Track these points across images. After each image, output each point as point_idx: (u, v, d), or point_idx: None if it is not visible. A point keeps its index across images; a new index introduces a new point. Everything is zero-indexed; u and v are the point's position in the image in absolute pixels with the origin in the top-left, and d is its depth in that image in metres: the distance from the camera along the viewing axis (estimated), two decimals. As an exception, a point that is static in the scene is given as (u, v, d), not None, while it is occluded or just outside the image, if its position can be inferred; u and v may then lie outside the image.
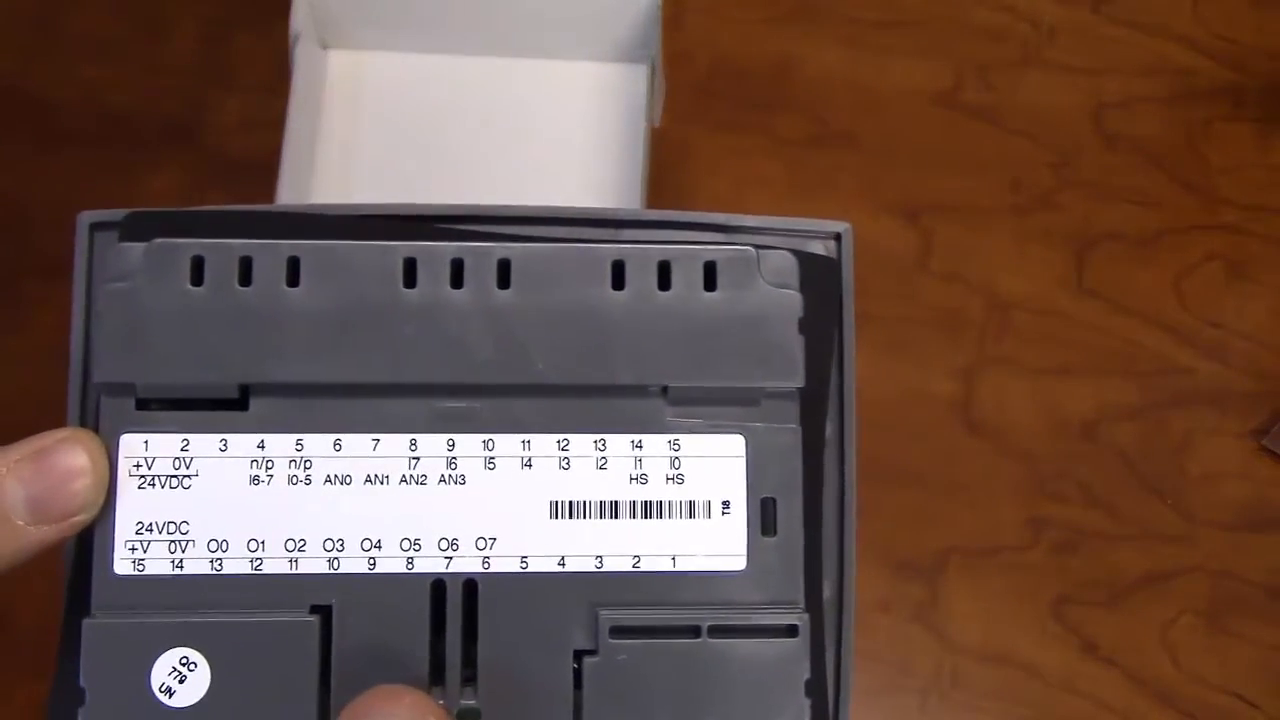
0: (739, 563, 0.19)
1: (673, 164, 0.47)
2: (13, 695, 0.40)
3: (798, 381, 0.19)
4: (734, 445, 0.19)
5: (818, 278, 0.20)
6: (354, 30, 0.43)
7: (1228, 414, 0.43)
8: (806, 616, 0.19)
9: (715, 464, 0.19)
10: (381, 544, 0.18)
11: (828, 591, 0.21)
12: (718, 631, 0.18)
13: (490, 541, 0.18)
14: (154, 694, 0.18)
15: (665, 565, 0.18)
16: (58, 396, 0.45)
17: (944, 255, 0.46)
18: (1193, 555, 0.41)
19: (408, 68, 0.43)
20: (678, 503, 0.19)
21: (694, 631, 0.18)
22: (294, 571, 0.18)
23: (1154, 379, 0.44)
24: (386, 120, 0.43)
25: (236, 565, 0.18)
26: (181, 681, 0.18)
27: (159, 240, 0.18)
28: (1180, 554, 0.41)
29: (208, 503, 0.18)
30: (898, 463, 0.42)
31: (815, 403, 0.20)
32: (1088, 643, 0.40)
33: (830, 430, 0.21)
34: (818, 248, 0.21)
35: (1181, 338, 0.44)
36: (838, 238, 0.21)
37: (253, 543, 0.18)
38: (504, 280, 0.18)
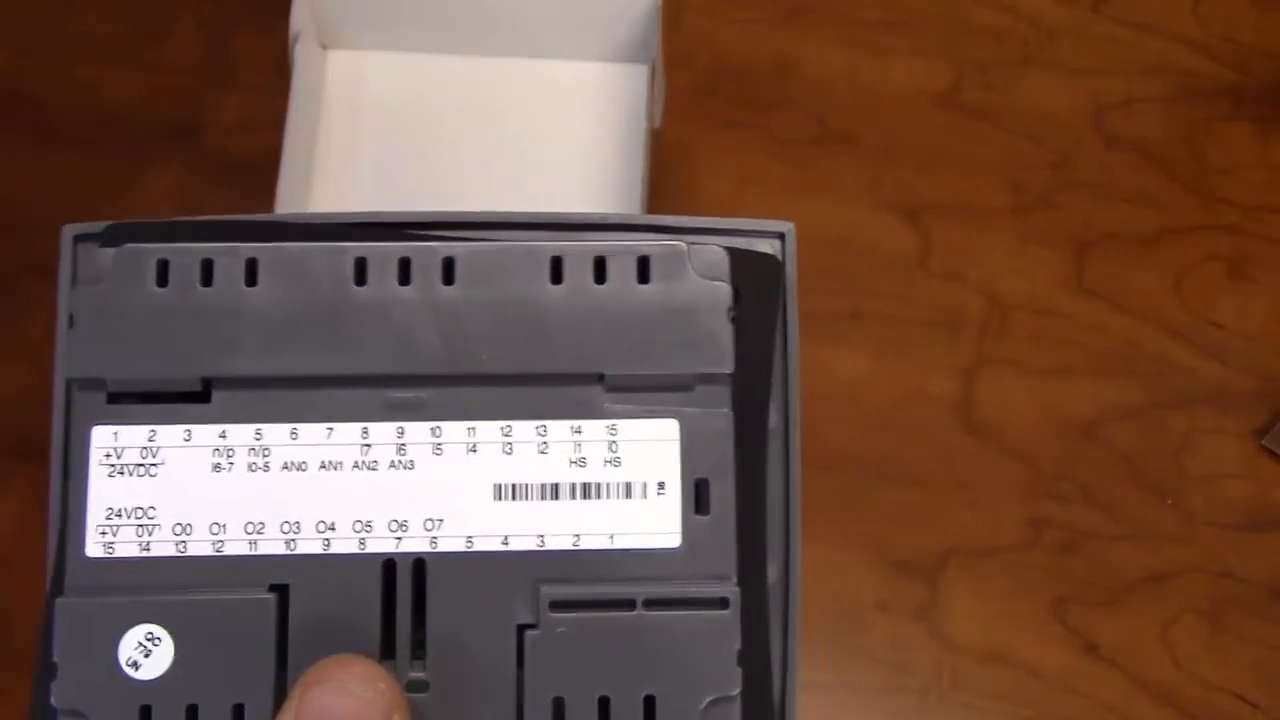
0: (674, 540, 0.20)
1: (673, 164, 0.47)
2: (13, 695, 0.40)
3: (726, 367, 0.20)
4: (668, 429, 0.20)
5: (761, 275, 0.21)
6: (354, 30, 0.43)
7: (1228, 414, 0.43)
8: (738, 590, 0.20)
9: (651, 447, 0.20)
10: (335, 526, 0.19)
11: (773, 574, 0.21)
12: (652, 604, 0.19)
13: (437, 523, 0.19)
14: (121, 668, 0.19)
15: (604, 543, 0.19)
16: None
17: (944, 255, 0.46)
18: (1193, 555, 0.41)
19: (408, 68, 0.43)
20: (615, 484, 0.20)
21: (629, 605, 0.19)
22: (253, 553, 0.19)
23: (1154, 379, 0.44)
24: (386, 120, 0.43)
25: (199, 548, 0.19)
26: (147, 656, 0.19)
27: (128, 245, 0.20)
28: (1180, 554, 0.41)
29: (173, 489, 0.19)
30: (898, 463, 0.42)
31: (757, 392, 0.21)
32: (1088, 643, 0.40)
33: (775, 420, 0.21)
34: (764, 246, 0.22)
35: (1181, 338, 0.44)
36: (781, 236, 0.22)
37: (215, 526, 0.19)
38: (449, 277, 0.20)
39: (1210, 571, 0.41)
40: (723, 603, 0.19)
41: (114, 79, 0.50)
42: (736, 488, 0.20)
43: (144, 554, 0.19)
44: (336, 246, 0.20)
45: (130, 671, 0.19)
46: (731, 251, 0.21)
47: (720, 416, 0.20)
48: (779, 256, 0.22)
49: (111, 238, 0.20)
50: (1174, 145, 0.48)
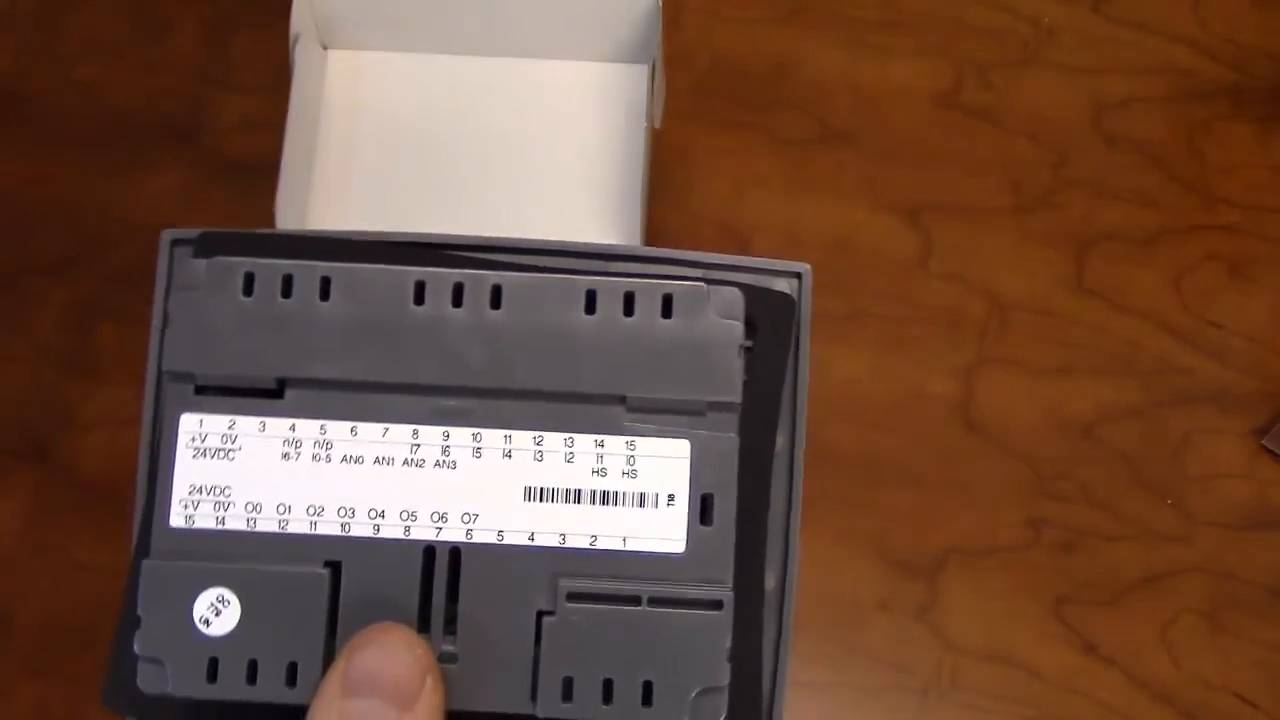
0: (679, 546, 0.22)
1: (673, 164, 0.47)
2: (13, 695, 0.40)
3: (735, 397, 0.22)
4: (681, 448, 0.22)
5: (777, 312, 0.24)
6: (354, 30, 0.43)
7: (1228, 414, 0.43)
8: (732, 595, 0.22)
9: (664, 463, 0.22)
10: (385, 514, 0.22)
11: (771, 583, 0.24)
12: (656, 601, 0.22)
13: (474, 517, 0.22)
14: (195, 623, 0.22)
15: (617, 545, 0.22)
16: (56, 395, 0.46)
17: (944, 255, 0.46)
18: (1193, 555, 0.41)
19: (408, 68, 0.43)
20: (631, 494, 0.22)
21: (636, 600, 0.22)
22: (313, 533, 0.22)
23: (1154, 379, 0.44)
24: (386, 120, 0.43)
25: (267, 525, 0.22)
26: (217, 615, 0.22)
27: (219, 258, 0.23)
28: (1180, 554, 0.41)
29: (247, 473, 0.22)
30: (898, 463, 0.42)
31: (766, 417, 0.24)
32: (1088, 643, 0.40)
33: (782, 443, 0.24)
34: (782, 285, 0.24)
35: (1181, 338, 0.44)
36: (799, 276, 0.24)
37: (281, 507, 0.22)
38: (496, 302, 0.22)
39: (1210, 571, 0.41)
40: (718, 605, 0.22)
41: (114, 79, 0.50)
42: (739, 503, 0.22)
43: (219, 527, 0.22)
44: (400, 270, 0.22)
45: (202, 628, 0.21)
46: (751, 289, 0.23)
47: (727, 440, 0.22)
48: (795, 295, 0.24)
49: (204, 245, 0.24)
50: (1174, 145, 0.48)
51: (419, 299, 0.22)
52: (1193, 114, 0.49)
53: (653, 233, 0.44)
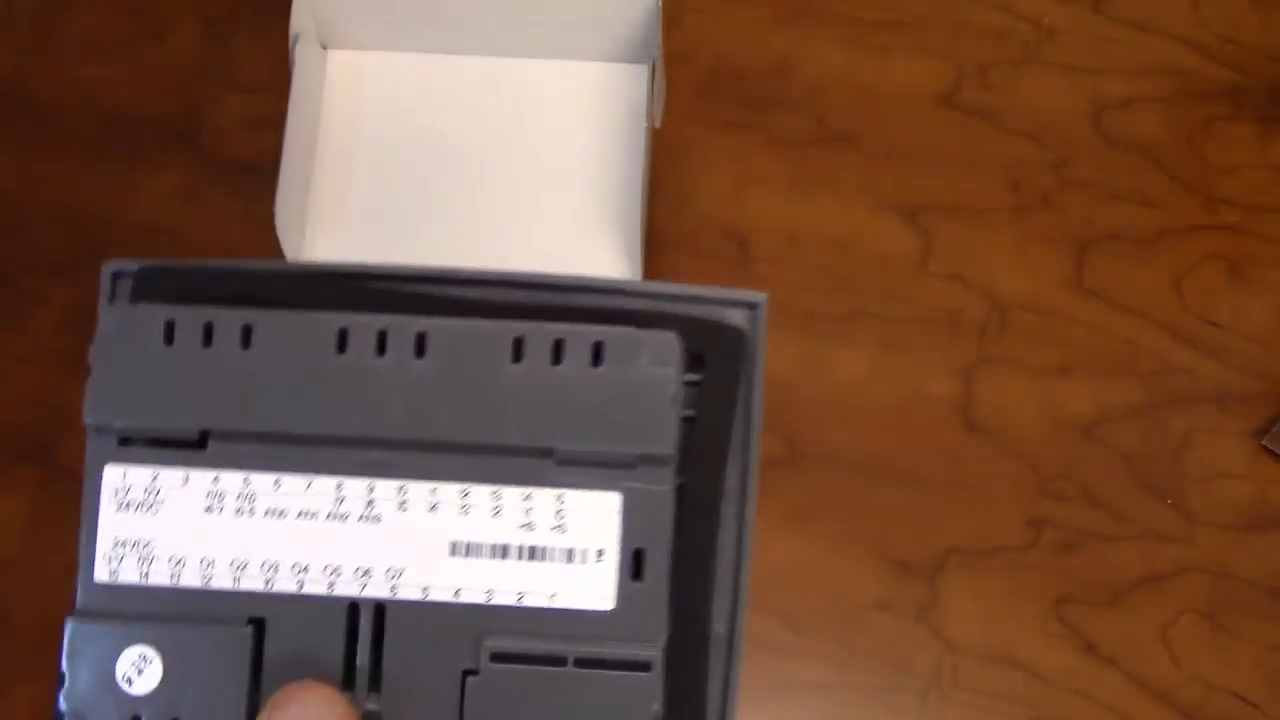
0: (608, 603, 0.22)
1: (673, 164, 0.47)
2: (13, 695, 0.40)
3: (668, 449, 0.22)
4: (611, 502, 0.22)
5: (727, 346, 0.23)
6: (354, 30, 0.43)
7: (1228, 414, 0.43)
8: (662, 655, 0.21)
9: (594, 516, 0.22)
10: (308, 569, 0.22)
11: (720, 627, 0.23)
12: (582, 662, 0.21)
13: (399, 573, 0.22)
14: (117, 682, 0.21)
15: (544, 602, 0.22)
16: (56, 395, 0.45)
17: (944, 255, 0.46)
18: (1193, 555, 0.41)
19: (408, 68, 0.43)
20: (559, 549, 0.22)
21: (562, 661, 0.21)
22: (236, 588, 0.22)
23: (1154, 379, 0.44)
24: (386, 120, 0.43)
25: (190, 579, 0.22)
26: (139, 673, 0.21)
27: (141, 304, 0.23)
28: (1180, 554, 0.41)
29: (170, 526, 0.22)
30: (898, 463, 0.42)
31: (712, 457, 0.23)
32: (1088, 643, 0.40)
33: (733, 481, 0.23)
34: (735, 316, 0.23)
35: (1181, 338, 0.44)
36: (754, 306, 0.23)
37: (204, 562, 0.22)
38: (420, 350, 0.22)
39: (1210, 571, 0.41)
40: (645, 666, 0.21)
41: (114, 79, 0.50)
42: (684, 548, 0.22)
43: (143, 582, 0.22)
44: (322, 318, 0.22)
45: (124, 686, 0.21)
46: (699, 323, 0.23)
47: (660, 494, 0.22)
48: (746, 327, 0.23)
49: (142, 279, 0.23)
50: (1174, 145, 0.48)
51: (342, 347, 0.22)
52: (1193, 114, 0.49)
53: (653, 233, 0.44)
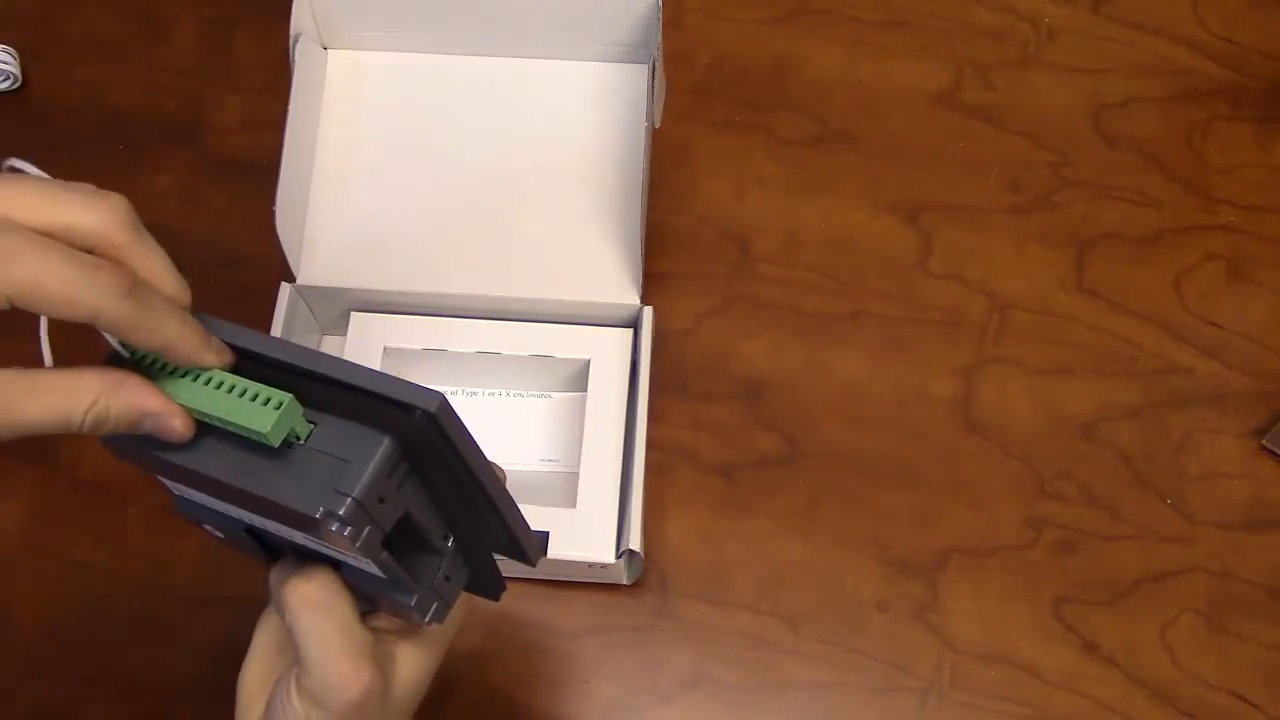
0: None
1: (673, 164, 0.47)
2: (13, 695, 0.40)
3: None
4: None
5: (422, 433, 0.23)
6: (354, 30, 0.43)
7: (1228, 414, 0.43)
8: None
9: None
10: None
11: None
12: None
13: None
14: None
15: None
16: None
17: (944, 255, 0.46)
18: (1193, 555, 0.41)
19: (408, 68, 0.43)
20: None
21: None
22: None
23: (1154, 379, 0.44)
24: (386, 120, 0.43)
25: None
26: None
27: None
28: (1180, 554, 0.41)
29: None
30: (898, 462, 0.42)
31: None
32: (1088, 643, 0.40)
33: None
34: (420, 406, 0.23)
35: (1181, 338, 0.44)
36: (423, 412, 0.23)
37: None
38: None
39: (1210, 571, 0.41)
40: None
41: (114, 79, 0.50)
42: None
43: None
44: None
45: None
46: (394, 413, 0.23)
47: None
48: (426, 417, 0.23)
49: None
50: (1174, 145, 0.48)
51: None
52: (1193, 114, 0.49)
53: (653, 233, 0.44)
